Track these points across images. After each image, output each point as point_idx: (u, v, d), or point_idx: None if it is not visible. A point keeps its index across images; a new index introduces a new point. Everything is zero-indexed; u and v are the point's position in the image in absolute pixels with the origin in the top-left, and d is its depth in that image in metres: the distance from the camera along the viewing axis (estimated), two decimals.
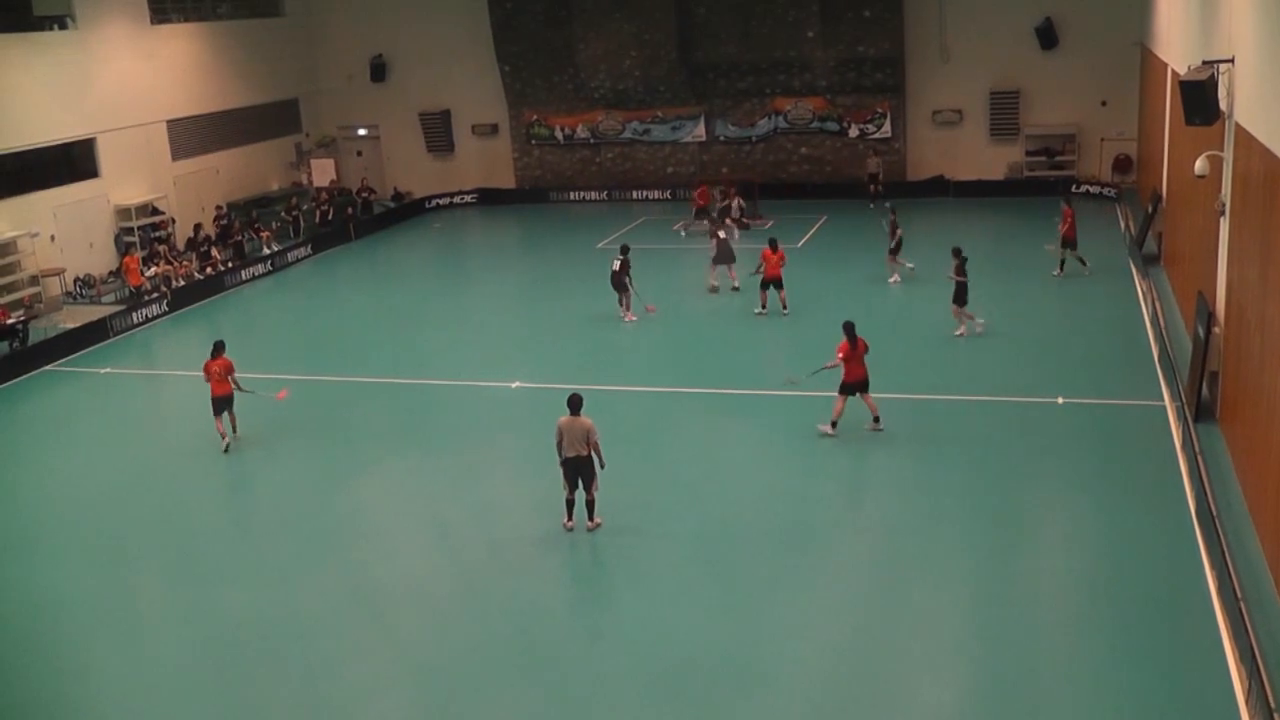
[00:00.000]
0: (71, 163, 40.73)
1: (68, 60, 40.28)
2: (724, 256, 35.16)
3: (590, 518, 20.38)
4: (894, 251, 35.42)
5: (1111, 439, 22.93)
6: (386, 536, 21.18)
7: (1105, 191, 45.52)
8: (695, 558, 19.37)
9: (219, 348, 25.60)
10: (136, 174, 43.16)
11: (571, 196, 52.95)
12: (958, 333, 29.75)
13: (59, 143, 40.04)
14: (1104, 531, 19.29)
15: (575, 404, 20.05)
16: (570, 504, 20.33)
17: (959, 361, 28.02)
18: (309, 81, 54.21)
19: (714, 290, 35.29)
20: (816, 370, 24.70)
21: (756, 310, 32.25)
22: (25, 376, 31.80)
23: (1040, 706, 14.91)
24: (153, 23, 44.55)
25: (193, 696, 16.52)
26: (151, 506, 23.20)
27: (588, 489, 20.14)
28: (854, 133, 49.14)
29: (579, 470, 20.01)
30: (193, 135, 46.53)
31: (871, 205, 45.53)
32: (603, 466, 20.16)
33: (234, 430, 25.79)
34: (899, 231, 35.26)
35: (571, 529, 20.38)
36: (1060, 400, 24.80)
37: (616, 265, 32.49)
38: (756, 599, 17.96)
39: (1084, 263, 34.76)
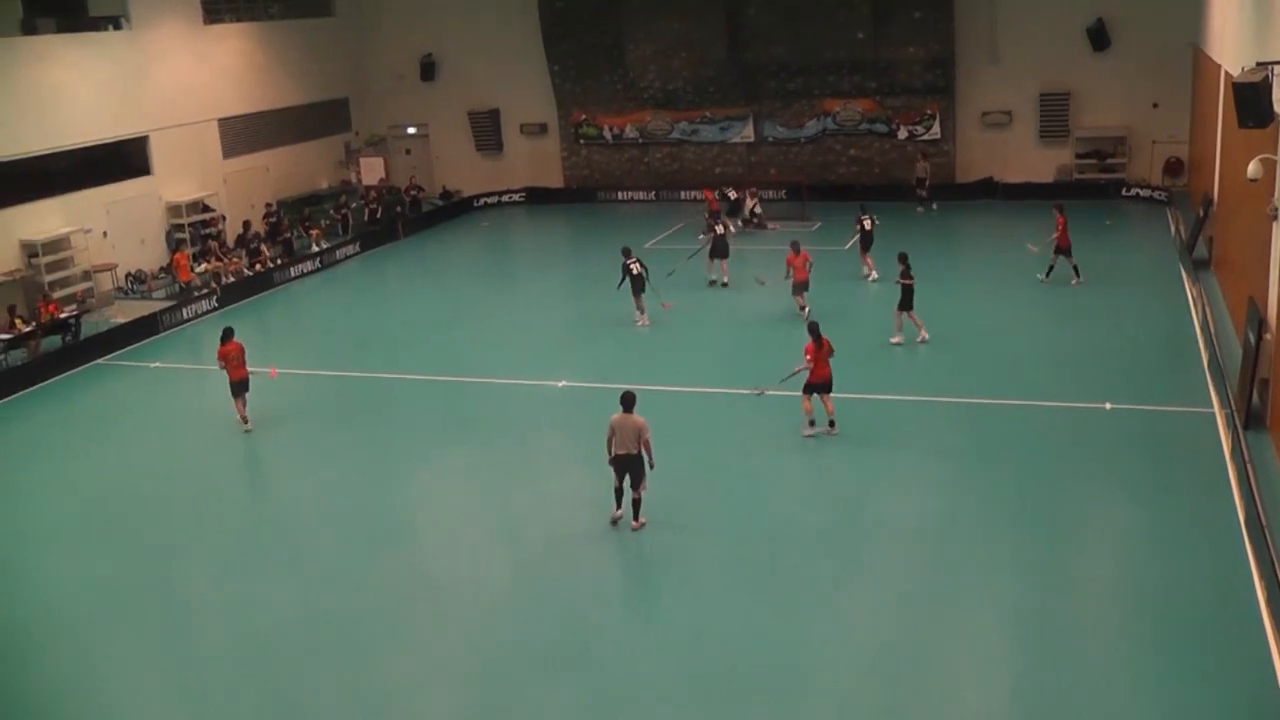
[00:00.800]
0: (124, 160, 41.14)
1: (122, 60, 40.77)
2: (718, 251, 36.26)
3: (635, 517, 20.41)
4: (865, 249, 36.05)
5: (1160, 446, 22.77)
6: (430, 533, 21.42)
7: (1156, 195, 45.11)
8: (738, 559, 19.38)
9: (230, 333, 26.63)
10: (188, 171, 43.53)
11: (619, 196, 52.96)
12: (894, 340, 29.77)
13: (113, 140, 40.47)
14: (1151, 539, 19.18)
15: (628, 402, 20.14)
16: (619, 492, 20.46)
17: (1006, 366, 27.84)
18: (359, 80, 54.52)
19: (711, 284, 36.46)
20: (787, 376, 24.71)
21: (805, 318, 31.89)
22: (77, 370, 32.20)
23: (1084, 717, 14.80)
24: (205, 23, 44.95)
25: (238, 689, 16.70)
26: (199, 499, 23.45)
27: (635, 488, 20.20)
28: (903, 134, 48.90)
29: (628, 468, 20.07)
30: (244, 133, 46.91)
31: (920, 209, 45.39)
32: (652, 467, 20.15)
33: (244, 419, 26.77)
34: (866, 230, 35.96)
35: (620, 517, 20.56)
36: (1108, 406, 24.62)
37: (637, 268, 32.52)
38: (800, 602, 17.94)
39: (1077, 272, 34.24)
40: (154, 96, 41.89)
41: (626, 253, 32.85)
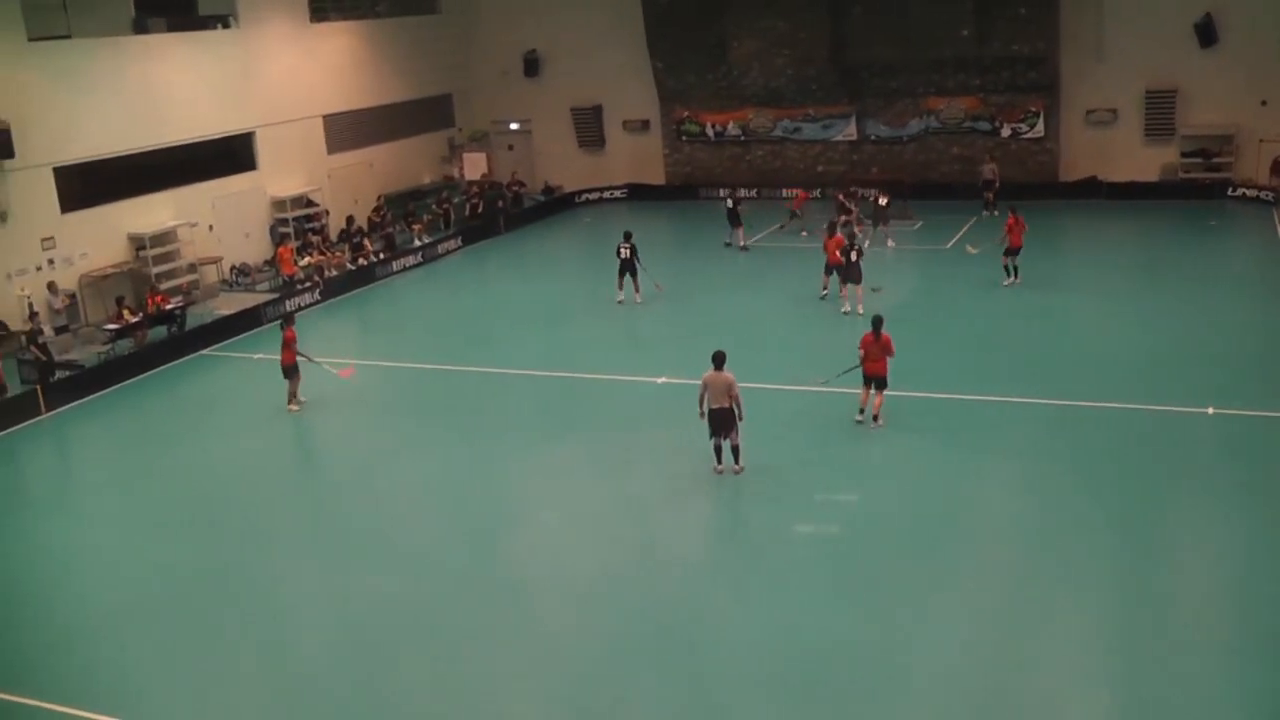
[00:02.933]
0: (231, 155, 41.84)
1: (230, 57, 41.50)
2: (733, 220, 42.01)
3: (736, 461, 22.30)
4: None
5: (1263, 451, 22.31)
6: (529, 525, 21.57)
7: (1262, 195, 44.11)
8: (829, 557, 19.40)
9: (284, 321, 28.39)
10: (293, 167, 44.21)
11: (721, 194, 52.37)
12: (844, 310, 32.79)
13: (220, 136, 41.18)
14: (1255, 548, 18.81)
15: (719, 359, 21.92)
16: (718, 450, 22.29)
17: (1105, 367, 27.49)
18: (463, 77, 54.97)
19: (727, 245, 42.36)
20: (846, 370, 25.03)
21: (820, 293, 33.94)
22: (181, 360, 32.88)
23: None
24: (312, 21, 45.60)
25: (332, 677, 16.96)
26: (298, 489, 24.04)
27: (730, 437, 22.06)
28: (1006, 132, 48.25)
29: (722, 420, 21.87)
30: (348, 130, 47.49)
31: (986, 213, 44.50)
32: (742, 418, 21.91)
33: (291, 400, 28.08)
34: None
35: (721, 472, 22.31)
36: (1210, 410, 24.17)
37: (627, 252, 35.11)
38: (893, 601, 17.90)
39: (1011, 273, 34.57)
40: (261, 93, 42.61)
41: (626, 236, 35.44)
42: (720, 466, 22.33)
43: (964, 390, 26.20)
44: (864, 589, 18.32)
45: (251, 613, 18.92)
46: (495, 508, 22.38)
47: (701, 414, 22.05)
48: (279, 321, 28.32)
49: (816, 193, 48.80)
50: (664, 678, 16.36)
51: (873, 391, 24.35)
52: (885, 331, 24.11)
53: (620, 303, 35.32)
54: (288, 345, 27.55)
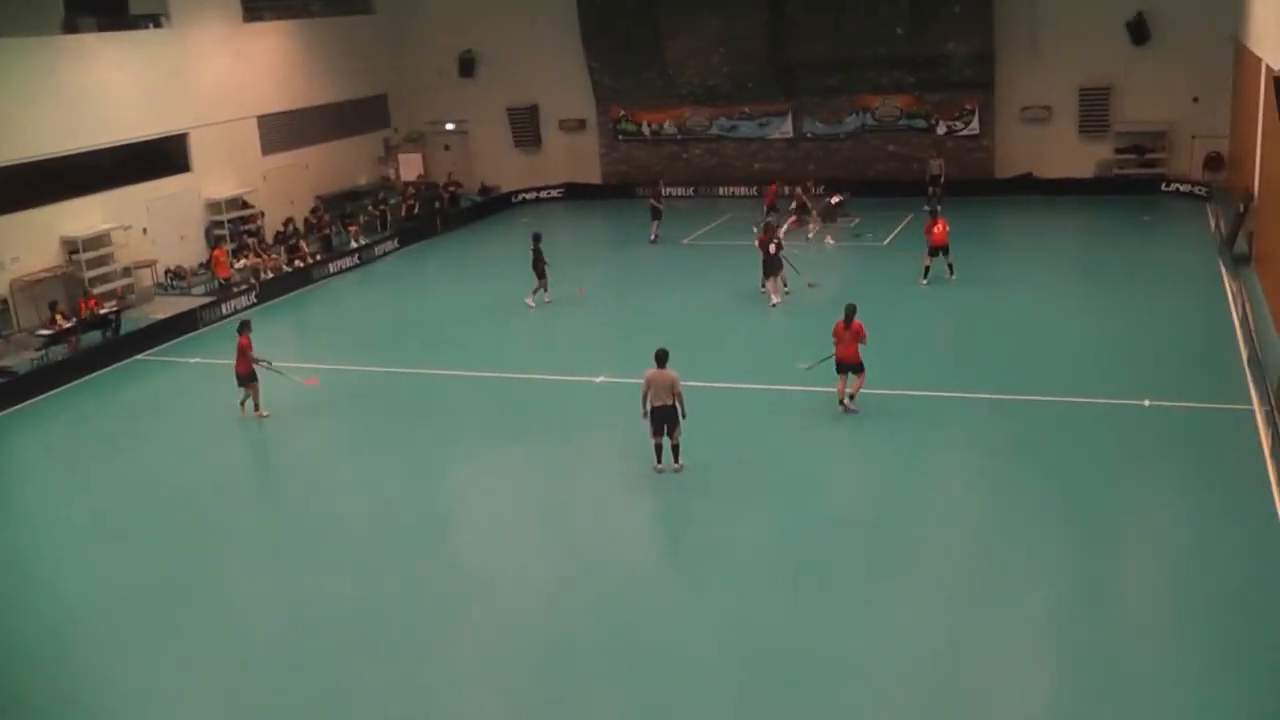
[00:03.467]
0: (165, 157, 41.32)
1: (162, 57, 41.06)
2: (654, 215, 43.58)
3: (675, 460, 22.30)
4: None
5: (1199, 443, 22.57)
6: (474, 527, 21.52)
7: (1196, 190, 44.74)
8: (785, 551, 19.39)
9: (238, 328, 27.38)
10: (227, 168, 43.77)
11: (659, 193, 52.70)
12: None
13: (153, 138, 40.66)
14: (1191, 537, 19.09)
15: (662, 357, 21.89)
16: (658, 449, 22.32)
17: (1043, 361, 27.72)
18: (398, 77, 54.61)
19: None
20: (823, 359, 25.14)
21: (760, 290, 34.37)
22: (117, 365, 32.41)
23: (1127, 714, 14.69)
24: (245, 20, 45.16)
25: (283, 684, 16.76)
26: (240, 494, 23.72)
27: (671, 435, 22.06)
28: (941, 130, 48.62)
29: (664, 418, 21.87)
30: (283, 130, 47.06)
31: (926, 207, 44.23)
32: (684, 416, 21.98)
33: (241, 407, 27.51)
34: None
35: (661, 470, 22.29)
36: (1147, 403, 24.41)
37: (531, 254, 35.29)
38: (844, 595, 17.96)
39: (946, 272, 34.96)
40: (194, 94, 42.14)
41: (534, 239, 35.68)
42: (660, 465, 22.34)
43: (904, 386, 26.29)
44: (813, 586, 18.30)
45: (199, 619, 18.61)
46: (441, 510, 22.23)
47: (644, 413, 22.01)
48: (237, 326, 27.67)
49: (754, 190, 49.10)
50: (614, 679, 16.31)
51: (850, 377, 24.73)
52: (857, 319, 24.52)
53: (548, 303, 35.42)
54: (243, 353, 26.98)
